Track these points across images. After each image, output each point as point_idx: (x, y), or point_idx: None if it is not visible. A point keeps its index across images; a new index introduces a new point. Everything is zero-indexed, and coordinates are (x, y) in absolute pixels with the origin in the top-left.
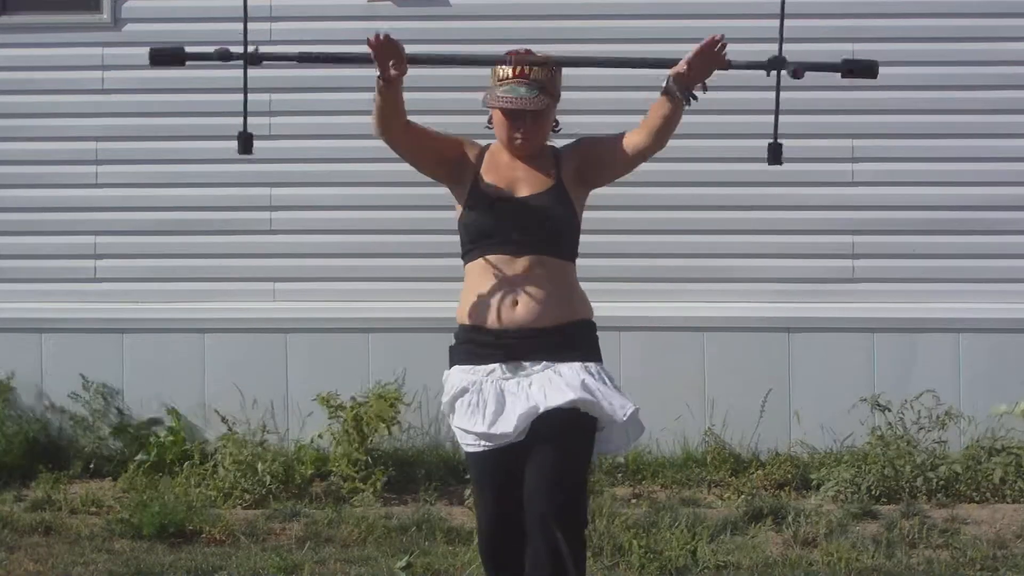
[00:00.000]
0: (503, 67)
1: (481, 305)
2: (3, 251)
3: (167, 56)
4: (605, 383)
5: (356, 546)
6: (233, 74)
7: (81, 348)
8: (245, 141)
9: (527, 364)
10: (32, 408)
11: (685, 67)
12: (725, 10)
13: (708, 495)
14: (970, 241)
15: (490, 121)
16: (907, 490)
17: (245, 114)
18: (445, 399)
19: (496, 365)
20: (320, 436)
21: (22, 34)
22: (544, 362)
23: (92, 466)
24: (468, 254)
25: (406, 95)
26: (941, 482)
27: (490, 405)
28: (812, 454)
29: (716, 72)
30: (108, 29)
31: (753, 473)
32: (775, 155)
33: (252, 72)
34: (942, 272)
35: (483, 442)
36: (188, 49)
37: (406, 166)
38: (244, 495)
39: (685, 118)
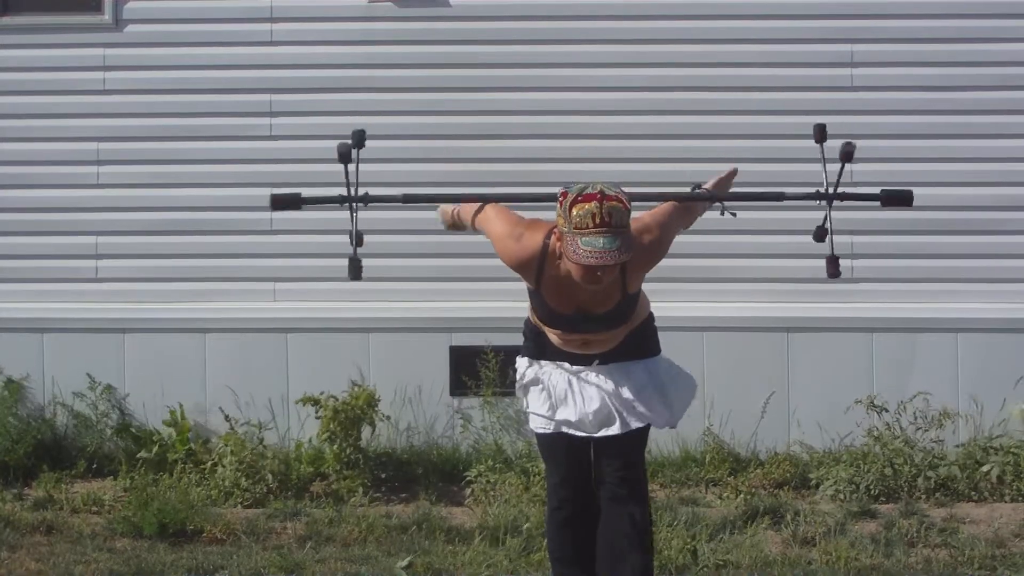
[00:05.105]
0: (579, 210)
1: (550, 333)
2: (5, 251)
3: (286, 201)
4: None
5: (357, 545)
6: (233, 75)
7: (82, 348)
8: (355, 268)
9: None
10: (33, 408)
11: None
12: (725, 10)
13: (707, 494)
14: (970, 241)
15: (559, 253)
16: (906, 489)
17: (353, 244)
18: (518, 385)
19: (564, 362)
20: (311, 440)
21: (23, 35)
22: (611, 363)
23: (95, 466)
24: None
25: (412, 95)
26: (940, 481)
27: (556, 392)
28: (811, 453)
29: (712, 72)
30: (109, 30)
31: (752, 472)
32: (834, 267)
33: (252, 73)
34: (942, 272)
35: (549, 424)
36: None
37: (405, 167)
38: (245, 494)
39: (686, 118)
